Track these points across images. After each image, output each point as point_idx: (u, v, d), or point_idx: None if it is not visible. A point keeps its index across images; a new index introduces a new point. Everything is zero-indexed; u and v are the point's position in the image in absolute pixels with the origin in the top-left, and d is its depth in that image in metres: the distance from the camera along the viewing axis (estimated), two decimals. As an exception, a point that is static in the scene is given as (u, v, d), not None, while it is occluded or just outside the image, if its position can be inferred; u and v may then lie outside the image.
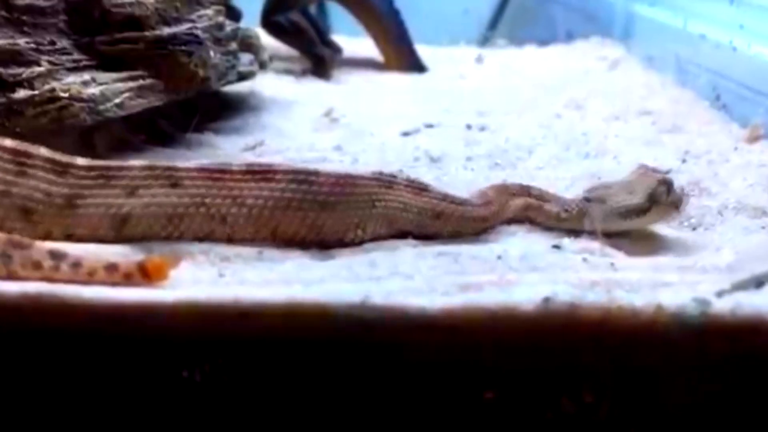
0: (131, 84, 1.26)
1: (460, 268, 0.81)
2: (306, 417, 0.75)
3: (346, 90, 1.77)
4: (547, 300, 0.72)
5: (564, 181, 1.21)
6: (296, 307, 0.74)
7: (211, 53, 1.34)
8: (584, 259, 0.86)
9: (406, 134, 1.46)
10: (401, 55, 1.99)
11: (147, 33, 1.28)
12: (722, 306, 0.71)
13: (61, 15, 1.24)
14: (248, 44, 1.53)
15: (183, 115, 1.44)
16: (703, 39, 1.76)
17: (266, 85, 1.77)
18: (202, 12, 1.41)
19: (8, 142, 0.97)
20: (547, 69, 2.06)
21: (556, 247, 0.90)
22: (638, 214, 1.02)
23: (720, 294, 0.71)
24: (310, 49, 1.89)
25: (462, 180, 1.22)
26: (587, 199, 1.05)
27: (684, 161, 1.24)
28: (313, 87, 1.78)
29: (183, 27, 1.32)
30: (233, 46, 1.44)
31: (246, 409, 0.75)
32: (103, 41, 1.26)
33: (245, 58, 1.49)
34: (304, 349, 0.74)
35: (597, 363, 0.73)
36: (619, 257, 0.89)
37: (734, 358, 0.71)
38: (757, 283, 0.74)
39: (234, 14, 1.51)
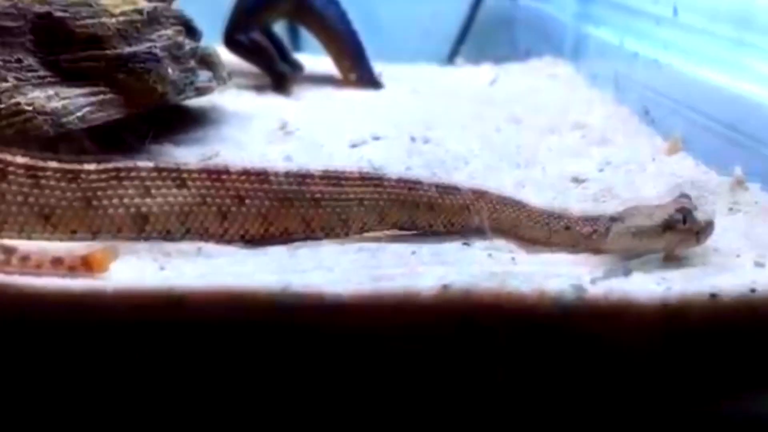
0: (92, 98, 1.36)
1: (376, 262, 0.92)
2: (236, 394, 0.84)
3: (303, 105, 1.86)
4: (445, 287, 0.82)
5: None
6: (224, 294, 0.84)
7: (170, 70, 1.44)
8: (489, 255, 0.96)
9: (354, 146, 1.57)
10: (358, 72, 2.09)
11: (108, 51, 1.39)
12: (596, 291, 0.82)
13: (28, 35, 1.34)
14: (208, 62, 1.63)
15: (147, 127, 1.54)
16: (636, 57, 1.89)
17: (227, 100, 1.86)
18: (162, 32, 1.50)
19: (20, 159, 1.11)
20: (499, 86, 2.19)
21: (466, 244, 1.00)
22: (650, 237, 1.04)
23: (594, 281, 0.81)
24: (270, 66, 2.00)
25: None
26: (613, 219, 1.10)
27: (602, 170, 1.35)
28: (271, 102, 1.87)
29: (143, 46, 1.43)
30: (192, 63, 1.54)
31: (182, 389, 0.85)
32: (67, 59, 1.37)
33: (204, 75, 1.58)
34: (233, 332, 0.84)
35: (491, 340, 0.84)
36: (521, 254, 1.00)
37: (607, 336, 0.82)
38: (626, 271, 0.85)
39: (194, 34, 1.61)
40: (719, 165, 1.44)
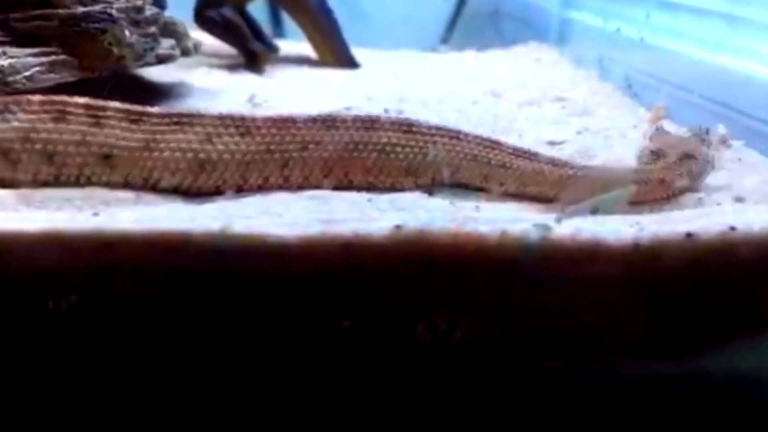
0: (43, 59, 1.29)
1: (329, 208, 0.85)
2: (169, 343, 0.77)
3: (276, 82, 1.80)
4: (398, 227, 0.75)
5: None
6: (158, 235, 0.77)
7: (126, 33, 1.37)
8: (451, 203, 0.89)
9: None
10: (334, 51, 2.03)
11: (60, 11, 1.32)
12: (562, 231, 0.75)
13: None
14: (171, 30, 1.57)
15: (107, 97, 1.48)
16: (618, 34, 1.84)
17: (196, 77, 1.81)
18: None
19: (80, 99, 1.07)
20: (480, 68, 2.13)
21: (429, 194, 0.94)
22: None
23: (559, 219, 0.74)
24: (242, 44, 1.93)
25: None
26: None
27: (579, 133, 1.28)
28: (243, 79, 1.81)
29: (97, 6, 1.37)
30: (153, 29, 1.47)
31: (111, 339, 0.78)
32: (17, 18, 1.30)
33: (166, 42, 1.52)
34: (166, 276, 0.77)
35: (448, 286, 0.77)
36: (487, 205, 0.93)
37: (576, 279, 0.75)
38: (593, 209, 0.78)
39: (159, 2, 1.55)
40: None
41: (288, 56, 2.10)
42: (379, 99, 1.66)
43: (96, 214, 0.82)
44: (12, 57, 1.24)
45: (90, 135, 1.02)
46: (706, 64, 1.51)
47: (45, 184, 0.97)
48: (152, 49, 1.47)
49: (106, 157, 1.01)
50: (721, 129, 1.22)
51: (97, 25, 1.33)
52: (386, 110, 1.58)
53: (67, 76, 1.32)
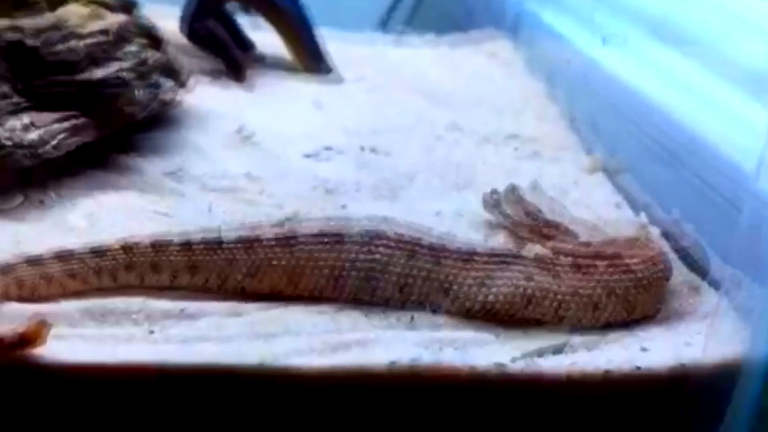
0: (66, 124, 1.44)
1: (336, 326, 1.08)
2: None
3: (257, 100, 1.95)
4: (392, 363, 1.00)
5: (430, 216, 1.47)
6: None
7: (137, 92, 1.53)
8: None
9: (308, 156, 1.70)
10: (310, 59, 2.18)
11: (78, 77, 1.46)
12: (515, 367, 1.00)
13: (1, 62, 1.42)
14: (168, 68, 1.71)
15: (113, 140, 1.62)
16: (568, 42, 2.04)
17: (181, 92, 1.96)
18: (128, 48, 1.58)
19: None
20: (439, 71, 2.31)
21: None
22: None
23: (514, 360, 1.00)
24: (226, 55, 2.07)
25: (351, 211, 1.47)
26: None
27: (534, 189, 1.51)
28: (226, 95, 1.95)
29: (112, 68, 1.51)
30: (155, 77, 1.62)
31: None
32: (39, 84, 1.44)
33: (166, 84, 1.66)
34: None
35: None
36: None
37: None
38: (555, 350, 1.03)
39: (157, 42, 1.68)
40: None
41: (263, 55, 2.24)
42: (352, 130, 1.84)
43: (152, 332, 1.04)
44: (39, 127, 1.39)
45: None
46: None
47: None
48: (156, 96, 1.62)
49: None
50: (643, 217, 1.46)
51: (112, 90, 1.48)
52: (362, 148, 1.78)
53: (86, 138, 1.47)
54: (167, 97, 1.64)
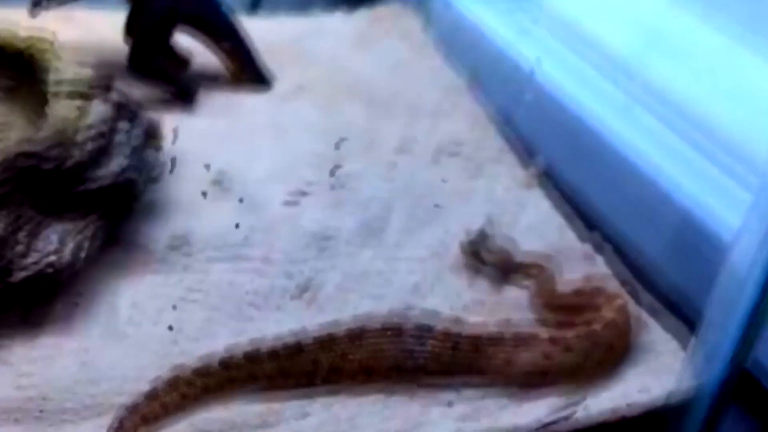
0: (87, 232, 1.55)
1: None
2: None
3: (216, 131, 2.06)
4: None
5: (415, 263, 1.74)
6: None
7: (140, 186, 1.64)
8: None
9: (288, 204, 1.87)
10: (248, 71, 2.27)
11: (88, 186, 1.55)
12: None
13: (17, 187, 1.48)
14: (149, 134, 1.78)
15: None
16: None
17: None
18: (118, 138, 1.65)
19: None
20: (364, 63, 2.46)
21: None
22: None
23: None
24: (174, 82, 2.13)
25: (351, 269, 1.69)
26: None
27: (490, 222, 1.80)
28: (185, 127, 1.98)
29: (114, 168, 1.59)
30: (144, 157, 1.71)
31: None
32: (55, 198, 1.53)
33: (151, 156, 1.76)
34: None
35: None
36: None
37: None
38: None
39: (133, 115, 1.75)
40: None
41: (201, 71, 2.30)
42: (315, 159, 2.01)
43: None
44: (68, 245, 1.49)
45: None
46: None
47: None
48: (149, 176, 1.72)
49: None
50: (587, 246, 1.78)
51: (124, 192, 1.58)
52: (332, 186, 1.96)
53: (103, 238, 1.58)
54: (156, 172, 1.74)
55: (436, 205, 1.87)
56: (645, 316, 1.59)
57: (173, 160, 1.81)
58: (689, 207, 1.72)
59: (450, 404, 1.39)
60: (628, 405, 1.38)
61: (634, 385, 1.45)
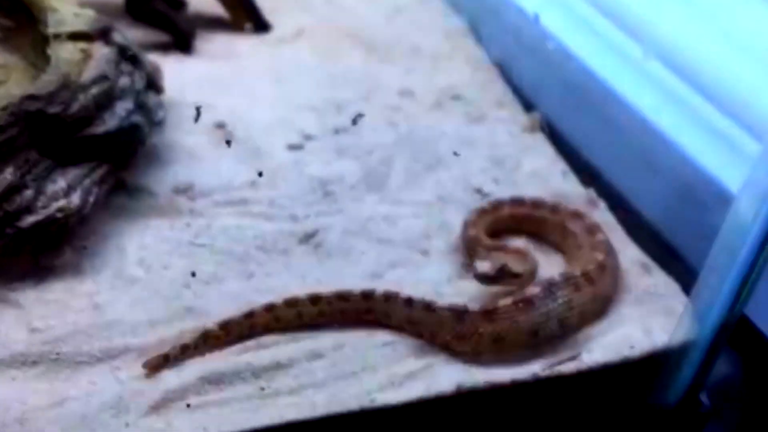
0: (94, 177, 1.55)
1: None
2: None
3: (216, 76, 2.05)
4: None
5: (420, 207, 1.74)
6: None
7: (145, 131, 1.63)
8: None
9: (292, 148, 1.87)
10: (247, 15, 2.24)
11: (94, 131, 1.54)
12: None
13: (25, 132, 1.47)
14: (151, 80, 1.77)
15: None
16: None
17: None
18: (122, 82, 1.63)
19: None
20: (363, 7, 2.43)
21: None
22: None
23: (544, 370, 1.35)
24: (172, 28, 2.10)
25: (357, 214, 1.70)
26: None
27: (496, 182, 1.80)
28: (185, 73, 2.03)
29: (120, 112, 1.58)
30: (147, 102, 1.70)
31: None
32: (62, 144, 1.51)
33: (154, 101, 1.74)
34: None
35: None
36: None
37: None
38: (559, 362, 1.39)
39: (138, 62, 1.73)
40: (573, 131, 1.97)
41: (199, 14, 2.27)
42: (318, 105, 2.01)
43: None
44: (76, 188, 1.48)
45: None
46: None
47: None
48: (153, 121, 1.71)
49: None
50: (591, 192, 1.78)
51: (127, 136, 1.57)
52: (336, 131, 1.96)
53: (110, 183, 1.59)
54: (159, 117, 1.73)
55: (455, 153, 1.88)
56: (650, 262, 1.63)
57: (198, 110, 1.71)
58: (691, 158, 1.74)
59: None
60: (631, 347, 1.42)
61: (637, 327, 1.49)
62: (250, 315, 1.40)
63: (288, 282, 1.53)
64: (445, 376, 1.36)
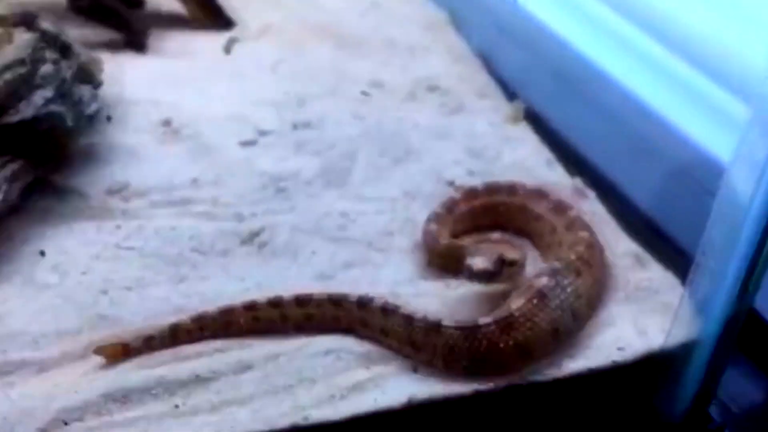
0: (6, 172, 1.38)
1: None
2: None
3: (169, 74, 1.88)
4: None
5: (384, 203, 1.55)
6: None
7: (68, 121, 1.46)
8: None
9: (245, 145, 1.69)
10: (208, 11, 2.09)
11: (7, 120, 1.37)
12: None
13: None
14: (85, 72, 1.61)
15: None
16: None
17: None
18: (44, 69, 1.47)
19: None
20: (338, 3, 2.26)
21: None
22: None
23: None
24: (120, 25, 1.95)
25: (311, 210, 1.51)
26: None
27: (471, 174, 1.61)
28: (134, 71, 1.86)
29: (37, 101, 1.41)
30: (76, 92, 1.53)
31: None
32: (-32, 135, 1.36)
33: (86, 93, 1.58)
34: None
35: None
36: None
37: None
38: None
39: (67, 50, 1.57)
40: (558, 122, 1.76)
41: (156, 12, 2.12)
42: (277, 100, 1.82)
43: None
44: (-18, 184, 1.32)
45: None
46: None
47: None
48: (82, 113, 1.54)
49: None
50: (577, 182, 1.58)
51: (45, 126, 1.40)
52: (295, 126, 1.78)
53: (27, 179, 1.41)
54: (91, 109, 1.56)
55: (409, 147, 1.68)
56: (644, 254, 1.41)
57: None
58: (686, 137, 1.54)
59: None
60: (620, 349, 1.20)
61: (629, 327, 1.27)
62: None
63: (224, 285, 1.34)
64: (396, 387, 1.14)
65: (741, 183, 1.11)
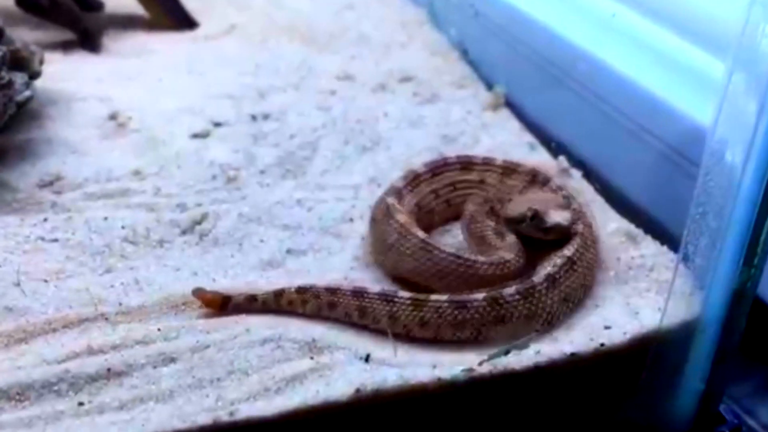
0: None
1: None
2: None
3: (122, 72, 1.75)
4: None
5: (346, 190, 1.40)
6: None
7: (-8, 103, 1.32)
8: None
9: (195, 136, 1.54)
10: (167, 11, 1.97)
11: None
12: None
13: None
14: (18, 59, 1.48)
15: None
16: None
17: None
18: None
19: None
20: (308, 3, 2.14)
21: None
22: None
23: (480, 363, 0.96)
24: (72, 23, 1.83)
25: (263, 200, 1.36)
26: None
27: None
28: (85, 70, 1.74)
29: None
30: (5, 75, 1.40)
31: None
32: None
33: (19, 79, 1.45)
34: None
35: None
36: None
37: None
38: (505, 351, 0.99)
39: (-3, 33, 1.45)
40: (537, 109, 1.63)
41: (115, 14, 2.01)
42: (237, 93, 1.67)
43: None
44: None
45: None
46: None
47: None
48: (11, 99, 1.41)
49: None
50: (562, 161, 1.43)
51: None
52: (254, 117, 1.64)
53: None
54: (23, 97, 1.43)
55: (377, 135, 1.52)
56: (636, 230, 1.24)
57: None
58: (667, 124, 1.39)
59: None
60: (607, 327, 1.02)
61: (619, 308, 1.09)
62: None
63: (155, 275, 1.18)
64: (343, 377, 0.97)
65: (724, 146, 0.96)
